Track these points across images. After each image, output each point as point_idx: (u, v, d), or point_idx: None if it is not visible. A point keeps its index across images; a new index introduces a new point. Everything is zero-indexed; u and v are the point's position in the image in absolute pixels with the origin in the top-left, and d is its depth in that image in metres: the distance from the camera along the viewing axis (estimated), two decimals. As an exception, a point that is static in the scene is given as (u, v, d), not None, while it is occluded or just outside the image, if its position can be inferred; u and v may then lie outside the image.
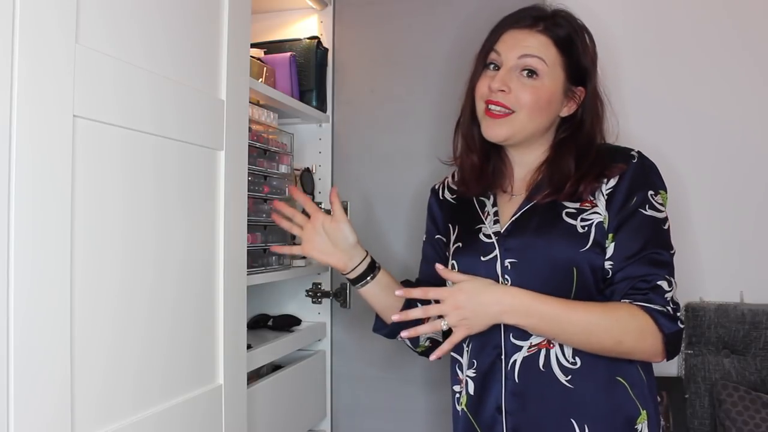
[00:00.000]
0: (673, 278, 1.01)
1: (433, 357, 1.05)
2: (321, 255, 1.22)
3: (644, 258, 0.99)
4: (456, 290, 1.01)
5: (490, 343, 1.07)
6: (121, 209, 0.84)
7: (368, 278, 1.22)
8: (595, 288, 1.01)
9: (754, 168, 1.52)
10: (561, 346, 1.02)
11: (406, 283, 1.27)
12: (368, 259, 1.23)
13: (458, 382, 1.14)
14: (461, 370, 1.14)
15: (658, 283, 0.98)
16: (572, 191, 1.04)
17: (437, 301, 1.03)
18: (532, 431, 1.03)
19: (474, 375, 1.09)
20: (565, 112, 1.11)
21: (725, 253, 1.53)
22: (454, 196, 1.23)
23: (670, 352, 0.99)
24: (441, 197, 1.26)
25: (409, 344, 1.27)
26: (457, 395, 1.14)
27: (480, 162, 1.15)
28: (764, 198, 1.52)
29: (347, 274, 1.23)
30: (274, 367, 1.60)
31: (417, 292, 1.04)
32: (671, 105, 1.56)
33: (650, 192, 1.03)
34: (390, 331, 1.27)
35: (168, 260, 0.94)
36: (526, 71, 1.06)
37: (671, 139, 1.53)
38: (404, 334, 1.05)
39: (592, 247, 1.01)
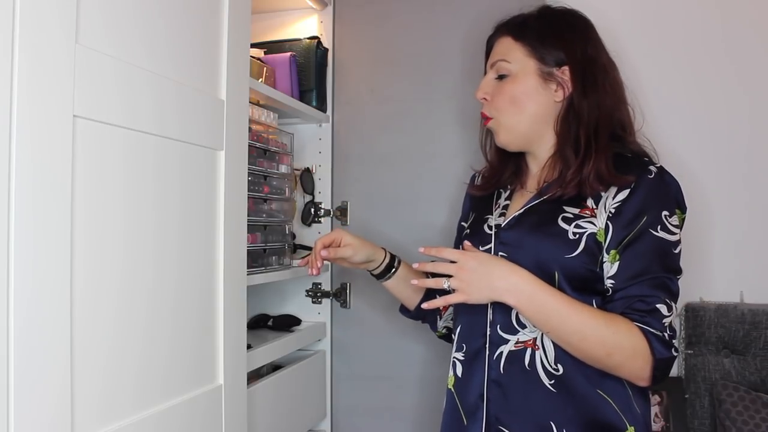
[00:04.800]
0: (674, 304, 0.99)
1: (424, 305, 1.07)
2: (342, 261, 1.28)
3: (647, 280, 0.97)
4: (469, 255, 1.03)
5: (478, 330, 1.09)
6: (121, 209, 0.84)
7: (387, 275, 1.28)
8: (573, 296, 1.00)
9: (754, 168, 1.52)
10: (545, 350, 1.02)
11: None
12: (386, 260, 1.28)
13: (451, 362, 1.17)
14: (452, 350, 1.16)
15: (657, 306, 0.96)
16: (577, 181, 1.03)
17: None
18: (511, 424, 1.03)
19: (462, 358, 1.12)
20: (558, 97, 1.09)
21: (725, 253, 1.53)
22: None
23: (656, 378, 0.97)
24: (474, 184, 1.30)
25: (430, 328, 1.35)
26: (449, 374, 1.16)
27: (493, 167, 1.23)
28: (765, 198, 1.52)
29: (371, 271, 1.30)
30: (274, 367, 1.60)
31: (433, 251, 1.06)
32: (673, 104, 1.56)
33: (664, 212, 1.00)
34: (414, 314, 1.33)
35: (168, 260, 0.94)
36: (498, 76, 1.13)
37: (672, 138, 1.52)
38: (424, 305, 1.08)
39: (580, 256, 1.00)
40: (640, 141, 1.12)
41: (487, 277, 1.00)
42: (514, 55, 1.11)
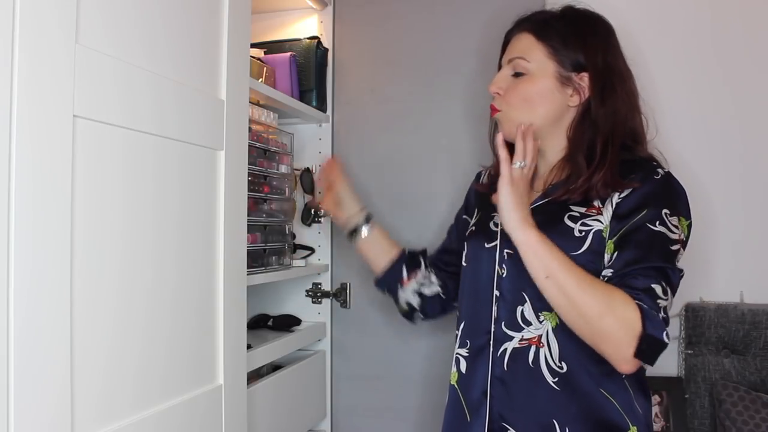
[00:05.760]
0: (671, 290, 0.96)
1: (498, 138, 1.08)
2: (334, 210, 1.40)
3: (644, 267, 0.95)
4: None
5: (482, 327, 1.09)
6: (121, 209, 0.84)
7: (363, 230, 1.36)
8: None
9: (754, 168, 1.52)
10: (549, 347, 1.02)
11: (411, 254, 1.38)
12: (365, 214, 1.37)
13: (454, 358, 1.17)
14: (455, 346, 1.17)
15: (652, 285, 0.94)
16: (585, 188, 1.03)
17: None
18: (515, 422, 1.03)
19: (467, 355, 1.12)
20: (572, 102, 1.09)
21: (725, 253, 1.53)
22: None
23: (640, 354, 0.92)
24: (480, 182, 1.30)
25: (395, 302, 1.39)
26: (453, 369, 1.16)
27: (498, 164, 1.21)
28: (765, 198, 1.52)
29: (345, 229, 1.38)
30: (274, 367, 1.60)
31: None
32: (673, 105, 1.56)
33: (665, 210, 0.98)
34: (380, 282, 1.39)
35: (168, 260, 0.94)
36: (514, 73, 1.12)
37: (673, 138, 1.52)
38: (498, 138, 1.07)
39: (586, 253, 1.00)
40: (651, 151, 1.11)
41: (522, 201, 1.02)
42: (534, 54, 1.09)
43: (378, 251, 1.36)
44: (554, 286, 0.96)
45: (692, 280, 1.51)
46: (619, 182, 1.02)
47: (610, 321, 0.92)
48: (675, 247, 0.99)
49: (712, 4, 1.55)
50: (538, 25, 1.11)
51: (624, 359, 0.93)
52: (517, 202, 1.00)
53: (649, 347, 0.92)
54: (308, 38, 1.72)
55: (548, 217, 1.06)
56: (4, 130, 0.65)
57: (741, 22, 1.53)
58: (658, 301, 0.93)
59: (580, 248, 1.01)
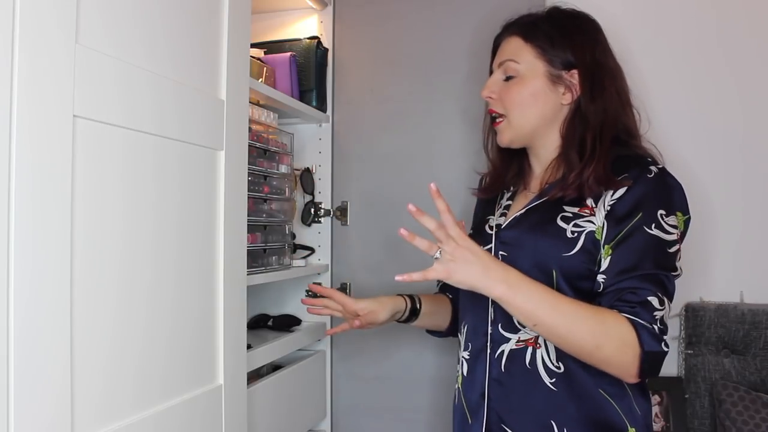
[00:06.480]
0: (667, 299, 0.95)
1: (397, 278, 0.97)
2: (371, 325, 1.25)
3: (639, 276, 0.95)
4: (470, 241, 0.97)
5: (480, 329, 1.10)
6: (120, 209, 0.84)
7: (413, 319, 1.27)
8: (573, 295, 0.99)
9: (754, 168, 1.52)
10: (546, 348, 1.02)
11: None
12: (409, 305, 1.25)
13: (459, 360, 1.17)
14: (460, 348, 1.17)
15: (648, 298, 0.93)
16: (578, 183, 1.03)
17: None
18: (513, 423, 1.03)
19: (468, 357, 1.13)
20: (565, 100, 1.10)
21: (725, 254, 1.53)
22: None
23: (645, 372, 0.93)
24: (480, 188, 1.30)
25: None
26: (457, 373, 1.17)
27: (495, 167, 1.23)
28: (765, 198, 1.52)
29: (398, 320, 1.28)
30: (274, 367, 1.60)
31: (440, 202, 0.97)
32: (673, 105, 1.56)
33: (661, 211, 0.98)
34: (446, 333, 1.34)
35: (168, 260, 0.94)
36: (506, 77, 1.12)
37: (673, 139, 1.52)
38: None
39: (578, 254, 1.00)
40: (646, 146, 1.11)
41: (479, 264, 0.95)
42: (523, 56, 1.10)
43: (436, 320, 1.31)
44: (544, 331, 0.96)
45: (692, 280, 1.51)
46: (612, 179, 1.01)
47: (608, 349, 0.93)
48: (673, 249, 0.98)
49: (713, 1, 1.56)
50: (526, 27, 1.12)
51: (630, 377, 0.95)
52: (471, 272, 0.95)
53: (650, 363, 0.93)
54: (308, 38, 1.72)
55: (542, 217, 1.06)
56: (4, 130, 0.65)
57: (742, 17, 1.53)
58: (655, 313, 0.93)
59: (573, 249, 1.01)
